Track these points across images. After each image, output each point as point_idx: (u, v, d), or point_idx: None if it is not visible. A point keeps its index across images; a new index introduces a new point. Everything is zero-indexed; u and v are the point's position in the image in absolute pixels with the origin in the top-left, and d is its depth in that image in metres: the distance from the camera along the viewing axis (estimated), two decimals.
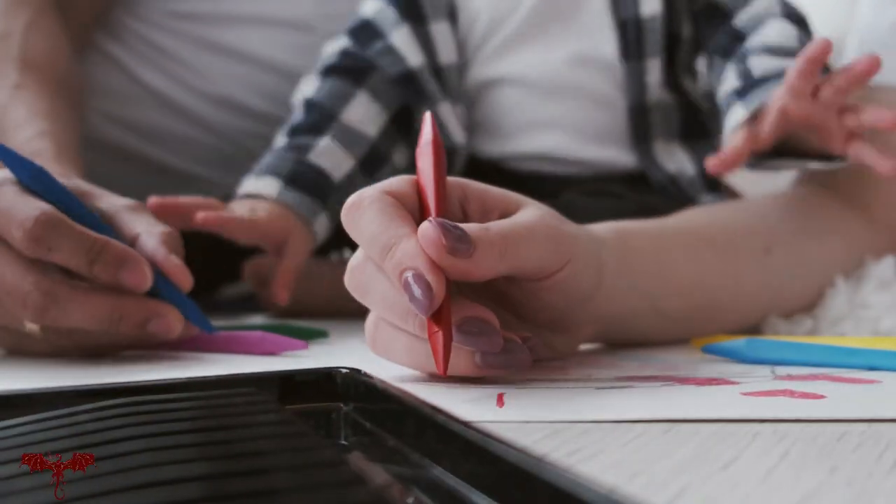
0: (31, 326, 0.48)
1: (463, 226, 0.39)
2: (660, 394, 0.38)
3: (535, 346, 0.42)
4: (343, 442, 0.31)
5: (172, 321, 0.49)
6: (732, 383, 0.40)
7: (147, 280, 0.48)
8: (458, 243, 0.38)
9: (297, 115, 0.73)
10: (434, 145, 0.43)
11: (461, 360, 0.39)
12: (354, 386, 0.33)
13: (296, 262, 0.67)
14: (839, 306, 0.57)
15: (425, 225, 0.38)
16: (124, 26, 0.85)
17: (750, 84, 0.61)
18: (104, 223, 0.50)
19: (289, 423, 0.26)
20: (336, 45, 0.77)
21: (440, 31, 0.75)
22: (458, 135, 0.74)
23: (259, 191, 0.68)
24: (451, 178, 0.43)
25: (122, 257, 0.47)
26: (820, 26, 0.65)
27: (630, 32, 0.72)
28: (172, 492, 0.20)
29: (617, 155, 0.74)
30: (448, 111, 0.74)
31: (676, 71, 0.73)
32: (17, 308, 0.47)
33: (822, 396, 0.37)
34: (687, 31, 0.72)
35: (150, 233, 0.50)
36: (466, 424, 0.24)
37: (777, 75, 0.60)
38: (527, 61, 0.74)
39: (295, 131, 0.72)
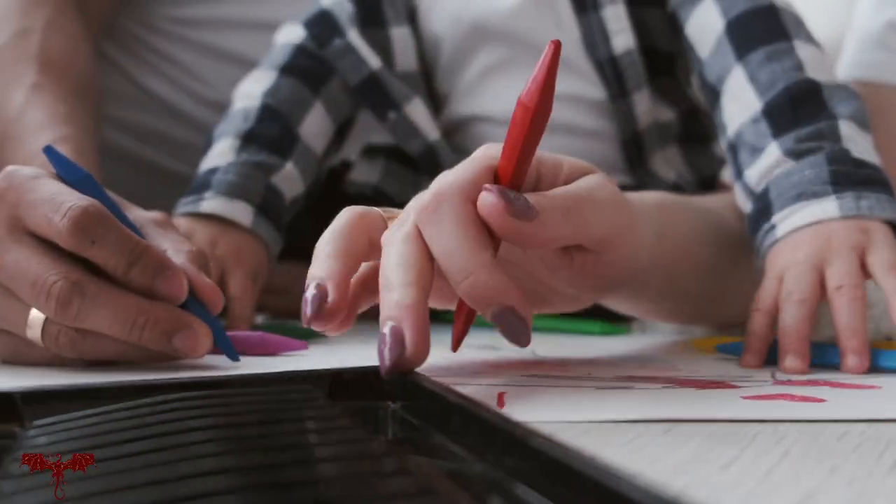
0: (34, 334, 0.46)
1: (526, 195, 0.38)
2: (660, 396, 0.38)
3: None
4: (390, 437, 0.32)
5: (201, 337, 0.46)
6: (733, 387, 0.40)
7: (183, 291, 0.46)
8: (520, 206, 0.37)
9: (251, 116, 0.70)
10: (534, 110, 0.37)
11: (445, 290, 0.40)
12: (402, 384, 0.33)
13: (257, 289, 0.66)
14: None
15: (484, 193, 0.37)
16: (126, 32, 0.85)
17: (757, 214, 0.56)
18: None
19: (340, 417, 0.27)
20: (291, 37, 0.74)
21: (400, 36, 0.74)
22: (432, 133, 0.72)
23: (234, 216, 0.65)
24: None
25: (161, 264, 0.45)
26: (819, 25, 0.64)
27: (608, 72, 0.70)
28: (228, 480, 0.21)
29: (616, 180, 0.73)
30: (419, 108, 0.72)
31: (679, 84, 0.72)
32: (37, 300, 0.45)
33: (821, 400, 0.37)
34: (675, 45, 0.70)
35: (178, 250, 0.49)
36: (509, 421, 0.25)
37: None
38: (506, 98, 0.72)
39: (252, 138, 0.69)
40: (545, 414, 0.34)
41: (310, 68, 0.72)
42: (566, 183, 0.42)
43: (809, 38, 0.60)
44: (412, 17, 0.75)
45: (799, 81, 0.56)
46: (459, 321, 0.42)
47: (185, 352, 0.46)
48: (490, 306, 0.36)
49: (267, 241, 0.66)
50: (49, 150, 0.49)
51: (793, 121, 0.55)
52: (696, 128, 0.74)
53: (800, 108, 0.56)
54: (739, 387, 0.41)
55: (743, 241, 0.58)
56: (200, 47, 0.85)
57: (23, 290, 0.45)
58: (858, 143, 0.54)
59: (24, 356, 0.48)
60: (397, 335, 0.35)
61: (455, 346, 0.42)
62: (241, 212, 0.65)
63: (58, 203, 0.44)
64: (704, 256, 0.54)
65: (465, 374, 0.42)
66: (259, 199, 0.66)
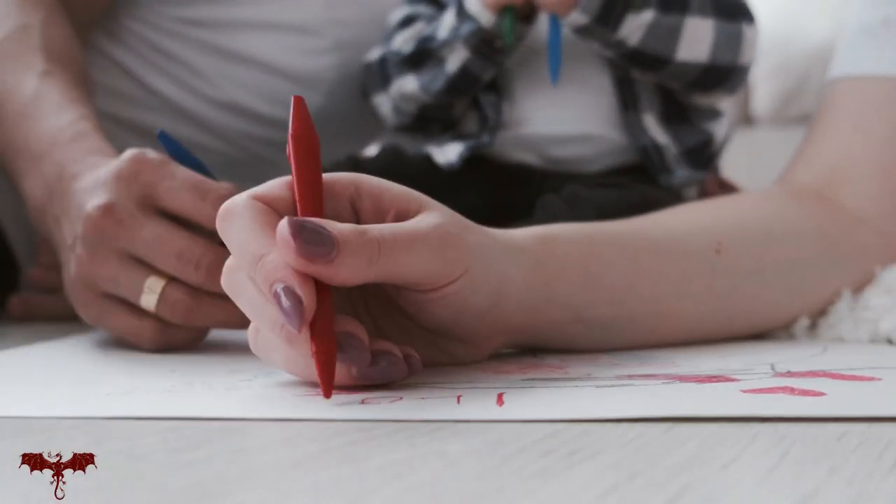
0: (148, 301, 0.50)
1: (332, 225, 0.37)
2: (660, 392, 0.38)
3: (415, 363, 0.40)
4: None
5: None
6: (732, 380, 0.41)
7: None
8: (313, 246, 0.36)
9: None
10: (294, 139, 0.39)
11: (337, 371, 0.37)
12: None
13: None
14: (839, 308, 0.56)
15: (280, 224, 0.36)
16: (131, 31, 0.84)
17: None
18: None
19: None
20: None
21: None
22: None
23: None
24: (342, 175, 0.41)
25: None
26: (819, 26, 0.63)
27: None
28: None
29: (605, 130, 0.69)
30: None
31: None
32: (184, 269, 0.49)
33: (821, 394, 0.37)
34: None
35: None
36: None
37: None
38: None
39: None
40: (545, 413, 0.34)
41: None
42: (396, 219, 0.40)
43: None
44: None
45: None
46: (316, 362, 0.36)
47: None
48: (273, 285, 0.36)
49: None
50: (164, 137, 0.54)
51: None
52: (679, 105, 0.71)
53: None
54: (739, 380, 0.41)
55: (695, 243, 0.54)
56: (206, 47, 0.84)
57: (166, 259, 0.50)
58: None
59: (133, 335, 0.52)
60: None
61: (327, 392, 0.36)
62: None
63: (203, 189, 0.51)
64: (628, 283, 0.50)
65: (462, 379, 0.42)
66: None
